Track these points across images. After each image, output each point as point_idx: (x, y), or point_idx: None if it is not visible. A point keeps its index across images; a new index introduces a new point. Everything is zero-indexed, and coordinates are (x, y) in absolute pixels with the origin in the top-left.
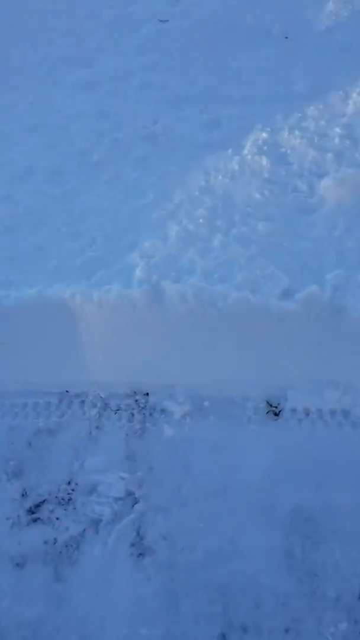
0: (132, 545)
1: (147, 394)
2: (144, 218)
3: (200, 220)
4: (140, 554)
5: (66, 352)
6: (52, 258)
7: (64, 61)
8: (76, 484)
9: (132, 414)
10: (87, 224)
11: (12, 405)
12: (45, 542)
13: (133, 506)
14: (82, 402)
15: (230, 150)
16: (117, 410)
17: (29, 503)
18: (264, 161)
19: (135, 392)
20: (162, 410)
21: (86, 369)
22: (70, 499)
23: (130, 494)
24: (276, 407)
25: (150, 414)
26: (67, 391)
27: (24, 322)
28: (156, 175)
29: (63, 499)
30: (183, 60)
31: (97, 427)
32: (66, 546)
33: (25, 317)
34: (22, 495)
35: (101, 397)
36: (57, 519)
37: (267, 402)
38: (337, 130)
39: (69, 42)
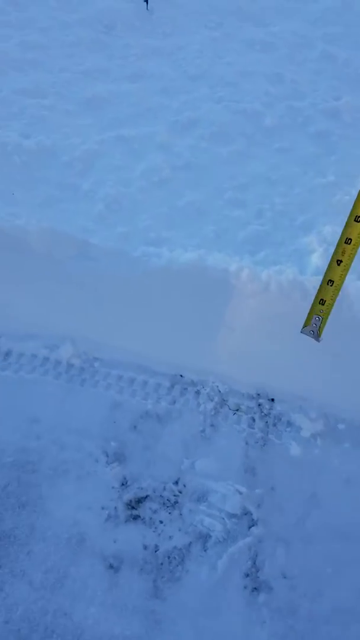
0: (247, 576)
1: (273, 399)
2: (323, 199)
3: None
4: (255, 589)
5: (195, 329)
6: (211, 223)
7: (235, 15)
8: (184, 486)
9: (253, 419)
10: (254, 194)
11: (118, 377)
12: (145, 548)
13: (249, 528)
14: (198, 392)
15: None
16: (237, 410)
17: (129, 495)
18: None
19: (259, 395)
20: (289, 423)
21: (210, 354)
22: (176, 502)
23: (246, 512)
24: None
25: (274, 424)
26: (181, 375)
27: (163, 286)
28: (338, 154)
29: (169, 501)
30: None
31: (212, 425)
32: (168, 558)
33: (171, 281)
34: (122, 484)
35: (219, 391)
36: (161, 522)
37: None
38: None
39: None
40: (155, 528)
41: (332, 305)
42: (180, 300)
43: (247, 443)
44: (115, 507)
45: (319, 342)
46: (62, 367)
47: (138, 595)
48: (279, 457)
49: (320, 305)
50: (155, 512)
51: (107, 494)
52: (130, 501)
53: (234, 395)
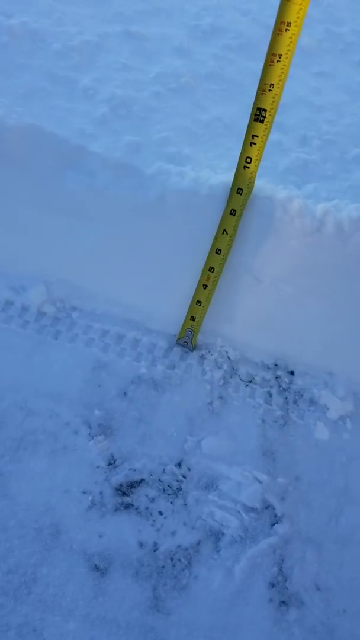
0: (272, 586)
1: (293, 372)
2: None
3: None
4: (283, 603)
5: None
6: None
7: None
8: (188, 470)
9: (270, 394)
10: (296, 118)
11: (103, 332)
12: (141, 545)
13: (273, 526)
14: (202, 357)
15: None
16: (249, 382)
17: (119, 478)
18: None
19: (276, 365)
20: (312, 402)
21: (222, 311)
22: (179, 490)
23: (268, 506)
24: None
25: (295, 402)
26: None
27: (183, 215)
28: None
29: (170, 487)
30: None
31: (221, 398)
32: (171, 559)
33: (196, 208)
34: (110, 464)
35: (229, 357)
36: (161, 514)
37: None
38: None
39: None
40: (154, 521)
41: (202, 321)
42: (199, 237)
43: (263, 421)
44: (101, 492)
45: (192, 351)
46: (30, 315)
47: (133, 608)
48: (303, 440)
49: (191, 321)
50: (153, 500)
51: (90, 474)
52: (121, 485)
53: (247, 364)
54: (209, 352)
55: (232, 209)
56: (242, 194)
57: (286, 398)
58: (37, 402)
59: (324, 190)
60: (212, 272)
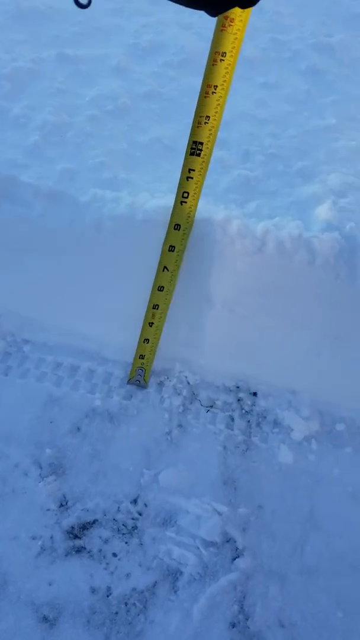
0: (233, 626)
1: (255, 393)
2: (324, 144)
3: None
4: None
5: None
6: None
7: None
8: (145, 506)
9: (232, 418)
10: (239, 133)
11: (56, 365)
12: (94, 591)
13: (234, 560)
14: (161, 384)
15: None
16: (210, 407)
17: (70, 520)
18: None
19: (238, 388)
20: (276, 423)
21: (178, 335)
22: (135, 528)
23: (228, 539)
24: None
25: (258, 424)
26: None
27: (121, 242)
28: (336, 95)
29: (124, 526)
30: None
31: (180, 426)
32: (126, 604)
33: (133, 233)
34: (61, 505)
35: (189, 382)
36: (115, 555)
37: None
38: None
39: None
40: (107, 564)
41: (152, 358)
42: (143, 261)
43: (224, 448)
44: (52, 537)
45: (146, 388)
46: None
47: None
48: (266, 465)
49: (140, 360)
50: (106, 541)
51: (40, 518)
52: (72, 528)
53: (207, 388)
54: (167, 378)
55: (171, 245)
56: (180, 230)
57: (249, 421)
58: None
59: (267, 207)
60: (157, 309)
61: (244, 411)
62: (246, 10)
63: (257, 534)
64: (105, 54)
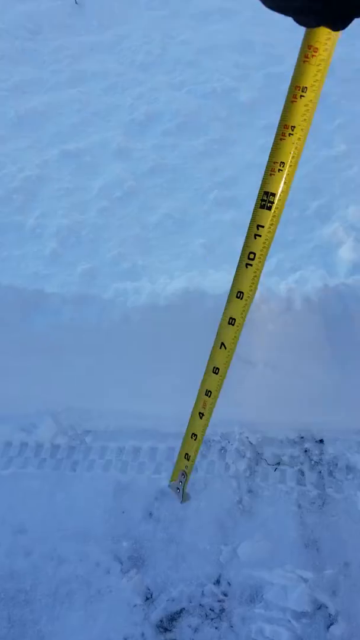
0: None
1: (322, 440)
2: (338, 175)
3: None
4: None
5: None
6: (199, 235)
7: None
8: (229, 585)
9: (302, 472)
10: (247, 187)
11: (118, 450)
12: None
13: (328, 629)
14: (223, 449)
15: None
16: (278, 464)
17: (158, 613)
18: None
19: (302, 438)
20: (349, 469)
21: (230, 398)
22: (222, 611)
23: (319, 606)
24: None
25: (330, 474)
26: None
27: (152, 329)
28: (341, 117)
29: (212, 610)
30: None
31: (250, 492)
32: None
33: (160, 321)
34: (146, 598)
35: (251, 442)
36: None
37: None
38: None
39: None
40: None
41: (195, 460)
42: (177, 342)
43: (299, 506)
44: (143, 634)
45: (181, 503)
46: (45, 452)
47: None
48: (346, 516)
49: (185, 460)
50: (196, 630)
51: (128, 616)
52: (161, 621)
53: (271, 444)
54: (229, 442)
55: (231, 318)
56: (243, 298)
57: (320, 472)
58: (66, 547)
59: (288, 260)
60: (209, 396)
61: (313, 462)
62: (332, 37)
63: (348, 594)
64: (105, 139)
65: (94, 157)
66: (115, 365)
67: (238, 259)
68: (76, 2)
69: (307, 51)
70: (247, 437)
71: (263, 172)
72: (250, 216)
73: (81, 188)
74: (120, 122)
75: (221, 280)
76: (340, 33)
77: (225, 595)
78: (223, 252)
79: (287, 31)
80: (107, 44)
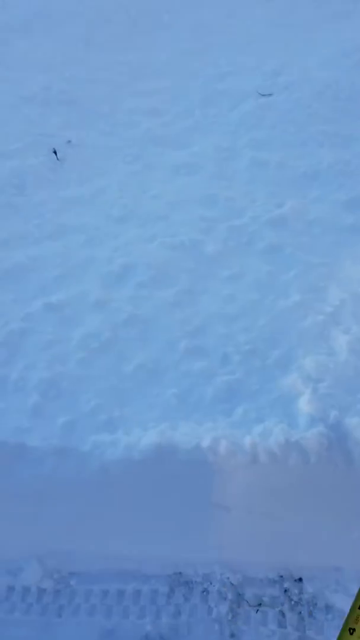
0: None
1: (301, 579)
2: (294, 325)
3: None
4: None
5: (184, 518)
6: (170, 385)
7: (151, 143)
8: None
9: (282, 614)
10: (214, 336)
11: (103, 593)
12: None
13: None
14: (205, 591)
15: None
16: (259, 605)
17: None
18: None
19: (281, 577)
20: (328, 608)
21: (211, 540)
22: None
23: None
24: None
25: (310, 614)
26: (179, 573)
27: (130, 481)
28: (297, 267)
29: None
30: (298, 134)
31: (233, 636)
32: None
33: (135, 474)
34: None
35: (232, 583)
36: None
37: None
38: None
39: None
40: None
41: None
42: (153, 492)
43: None
44: None
45: None
46: (31, 596)
47: None
48: None
49: None
50: None
51: None
52: None
53: (251, 584)
54: (211, 583)
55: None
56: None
57: (300, 613)
58: None
59: (253, 410)
60: None
61: (293, 602)
62: None
63: None
64: (85, 291)
65: (74, 310)
66: (97, 511)
67: None
68: (57, 159)
69: None
70: (228, 578)
71: (225, 323)
72: (220, 362)
73: (62, 340)
74: (98, 274)
75: (191, 432)
76: None
77: None
78: (193, 402)
79: (247, 184)
80: (86, 198)
